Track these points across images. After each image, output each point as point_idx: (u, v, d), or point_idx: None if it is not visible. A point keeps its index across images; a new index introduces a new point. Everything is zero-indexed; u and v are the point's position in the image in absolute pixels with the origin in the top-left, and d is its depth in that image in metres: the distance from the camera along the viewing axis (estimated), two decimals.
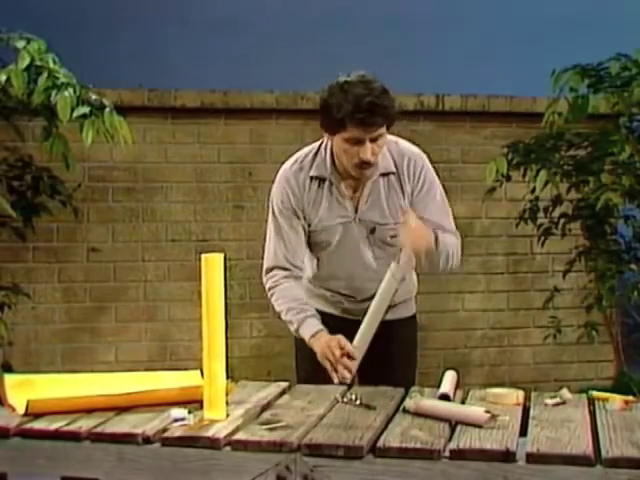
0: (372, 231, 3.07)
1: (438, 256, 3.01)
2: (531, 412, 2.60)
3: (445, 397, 2.72)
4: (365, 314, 3.05)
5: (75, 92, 4.18)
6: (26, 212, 4.96)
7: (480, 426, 2.42)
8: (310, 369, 3.07)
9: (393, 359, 3.16)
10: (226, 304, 2.56)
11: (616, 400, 2.66)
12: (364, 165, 2.93)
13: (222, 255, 2.55)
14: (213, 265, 2.53)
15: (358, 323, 3.07)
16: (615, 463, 2.18)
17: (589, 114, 4.66)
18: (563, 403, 2.70)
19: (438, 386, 2.81)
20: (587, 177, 4.87)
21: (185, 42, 7.55)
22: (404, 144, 3.12)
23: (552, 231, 5.21)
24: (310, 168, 3.06)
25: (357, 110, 2.83)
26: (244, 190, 5.86)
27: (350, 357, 2.91)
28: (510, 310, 6.14)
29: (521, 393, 2.75)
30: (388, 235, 3.09)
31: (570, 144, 4.96)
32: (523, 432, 2.42)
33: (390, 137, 3.03)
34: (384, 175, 3.04)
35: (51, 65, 4.19)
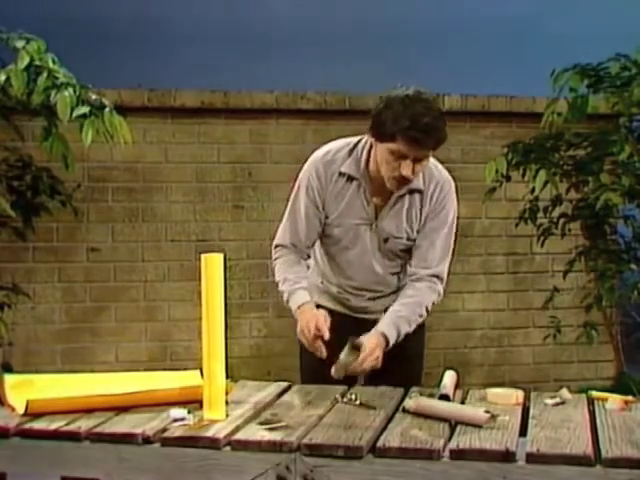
0: (385, 241, 3.09)
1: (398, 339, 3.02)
2: (531, 412, 2.60)
3: (445, 397, 2.72)
4: (369, 312, 3.16)
5: (75, 92, 4.18)
6: (26, 212, 4.96)
7: (480, 426, 2.42)
8: (315, 367, 3.07)
9: (400, 358, 3.16)
10: (226, 304, 2.56)
11: (616, 400, 2.67)
12: (402, 180, 2.93)
13: (222, 255, 2.55)
14: (213, 265, 2.53)
15: (363, 321, 3.11)
16: (615, 463, 2.18)
17: (589, 114, 4.66)
18: (563, 403, 2.70)
19: (438, 386, 2.81)
20: (587, 177, 4.87)
21: (185, 42, 7.55)
22: (438, 167, 3.11)
23: (552, 231, 5.20)
24: (342, 164, 3.05)
25: (413, 127, 2.81)
26: (244, 190, 5.86)
27: (322, 338, 2.91)
28: (510, 310, 6.14)
29: (521, 393, 2.75)
30: (399, 248, 3.11)
31: (570, 144, 4.96)
32: (523, 432, 2.42)
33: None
34: (411, 192, 3.05)
35: (51, 65, 4.19)
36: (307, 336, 2.95)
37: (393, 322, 3.00)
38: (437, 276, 3.09)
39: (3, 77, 4.13)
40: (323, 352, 2.91)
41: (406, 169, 2.88)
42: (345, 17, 7.81)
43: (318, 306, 3.18)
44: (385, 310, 3.10)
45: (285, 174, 5.88)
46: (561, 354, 6.11)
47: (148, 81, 5.79)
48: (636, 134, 4.94)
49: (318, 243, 3.21)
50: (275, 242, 3.18)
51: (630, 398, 2.69)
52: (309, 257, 3.21)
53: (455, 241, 3.16)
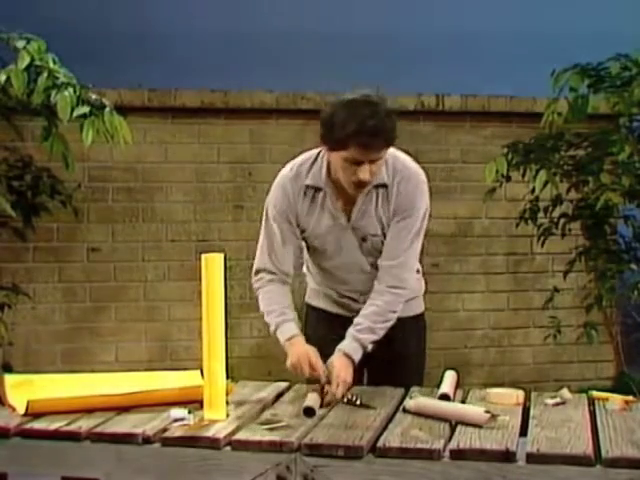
0: (364, 240, 3.08)
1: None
2: (531, 412, 2.61)
3: (445, 397, 2.72)
4: None
5: (75, 92, 4.17)
6: (26, 212, 4.96)
7: (480, 426, 2.42)
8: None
9: (401, 356, 3.16)
10: (226, 304, 2.56)
11: (616, 400, 2.67)
12: (361, 184, 2.93)
13: (222, 255, 2.55)
14: (213, 265, 2.54)
15: None
16: (615, 463, 2.18)
17: (589, 114, 4.66)
18: (563, 403, 2.70)
19: (438, 386, 2.81)
20: (587, 177, 4.87)
21: (185, 42, 7.55)
22: (402, 159, 3.08)
23: (552, 231, 5.20)
24: (306, 176, 3.06)
25: (360, 132, 2.81)
26: (244, 190, 5.86)
27: (316, 371, 2.88)
28: (510, 310, 6.14)
29: (521, 393, 2.76)
30: (380, 245, 3.09)
31: (570, 144, 4.96)
32: (523, 432, 2.42)
33: (391, 150, 3.00)
34: (377, 187, 3.03)
35: (51, 65, 4.19)
36: (300, 373, 2.93)
37: (354, 338, 2.97)
38: (400, 280, 3.04)
39: (3, 77, 4.13)
40: (322, 379, 2.86)
41: (363, 173, 2.88)
42: (345, 17, 7.81)
43: (322, 311, 3.21)
44: None
45: None
46: (561, 354, 6.11)
47: (148, 81, 5.78)
48: (636, 134, 4.94)
49: (307, 255, 3.20)
50: (255, 267, 3.13)
51: (630, 398, 2.69)
52: (288, 282, 3.14)
53: (425, 235, 3.12)
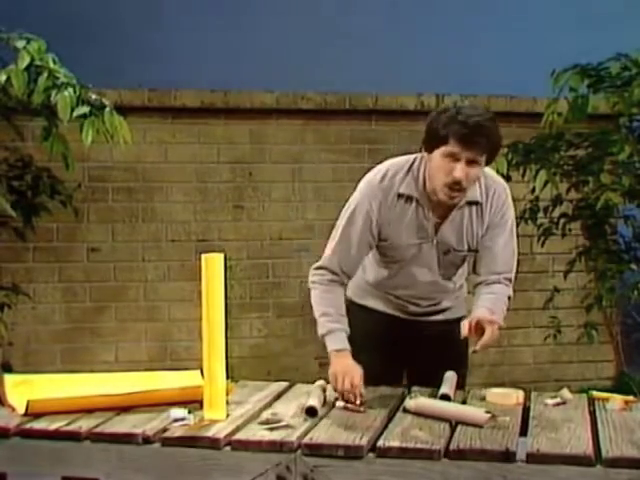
0: (446, 253, 3.10)
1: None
2: (531, 412, 2.61)
3: (445, 397, 2.72)
4: (426, 315, 3.20)
5: (75, 92, 4.17)
6: (26, 212, 4.96)
7: (480, 426, 2.42)
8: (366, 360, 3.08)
9: (447, 341, 3.16)
10: (226, 304, 2.56)
11: (616, 400, 2.67)
12: (455, 186, 2.91)
13: (222, 255, 2.55)
14: (213, 265, 2.54)
15: (416, 323, 3.17)
16: (615, 463, 2.18)
17: (589, 114, 4.66)
18: (563, 403, 2.71)
19: (438, 386, 2.81)
20: (587, 177, 4.87)
21: (185, 42, 7.55)
22: (492, 175, 3.13)
23: (552, 231, 5.20)
24: (400, 185, 3.04)
25: (464, 126, 2.85)
26: (244, 190, 5.86)
27: (354, 394, 2.84)
28: (510, 310, 6.10)
29: (521, 393, 2.76)
30: (459, 259, 3.14)
31: (570, 144, 4.96)
32: (523, 432, 2.42)
33: (485, 169, 3.03)
34: (469, 204, 3.05)
35: (51, 65, 4.19)
36: (340, 388, 2.85)
37: (487, 308, 3.03)
38: (507, 279, 3.15)
39: (4, 77, 4.13)
40: (357, 400, 2.81)
41: (459, 171, 2.88)
42: (345, 17, 7.81)
43: (372, 310, 3.22)
44: (441, 311, 3.21)
45: (285, 174, 5.89)
46: (561, 354, 6.11)
47: (148, 81, 5.78)
48: (636, 134, 4.94)
49: (371, 254, 3.17)
50: (321, 263, 3.10)
51: (630, 398, 2.69)
52: (346, 284, 3.15)
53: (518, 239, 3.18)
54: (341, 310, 3.04)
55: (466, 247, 3.09)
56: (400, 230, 3.05)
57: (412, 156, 3.09)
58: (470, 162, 2.88)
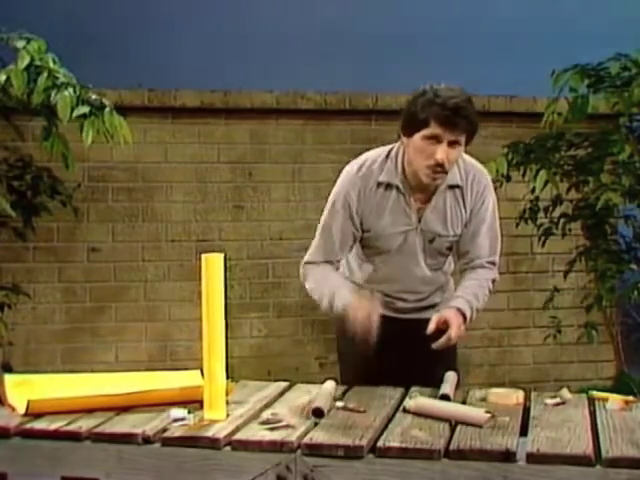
0: (431, 241, 3.10)
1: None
2: (531, 412, 2.61)
3: (445, 397, 2.72)
4: (414, 311, 3.18)
5: (75, 92, 4.17)
6: (26, 212, 4.96)
7: (480, 426, 2.42)
8: (355, 371, 3.08)
9: (438, 357, 3.15)
10: (226, 304, 2.56)
11: (616, 400, 2.67)
12: (437, 168, 2.93)
13: (222, 255, 2.55)
14: (213, 265, 2.53)
15: (407, 321, 3.15)
16: (615, 463, 2.18)
17: (589, 114, 4.66)
18: (563, 403, 2.70)
19: (438, 386, 2.81)
20: (587, 177, 4.87)
21: (185, 42, 7.55)
22: (470, 160, 3.15)
23: (552, 231, 5.20)
24: (379, 173, 3.04)
25: (443, 108, 2.88)
26: (244, 190, 5.86)
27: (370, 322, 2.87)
28: (510, 310, 6.14)
29: (521, 393, 2.76)
30: (444, 246, 3.13)
31: (570, 144, 4.96)
32: (523, 432, 2.42)
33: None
34: (450, 188, 3.06)
35: (51, 65, 4.19)
36: (357, 315, 2.87)
37: (464, 299, 3.04)
38: (491, 262, 3.16)
39: (3, 77, 4.13)
40: (373, 337, 2.85)
41: (441, 153, 2.90)
42: (345, 17, 7.81)
43: None
44: (429, 308, 3.17)
45: (285, 174, 5.89)
46: (561, 354, 6.11)
47: (148, 81, 5.78)
48: (636, 134, 4.95)
49: (354, 251, 3.18)
50: (306, 259, 3.12)
51: (630, 398, 2.69)
52: (338, 268, 3.17)
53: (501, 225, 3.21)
54: (341, 280, 3.07)
55: (451, 232, 3.09)
56: (382, 219, 3.04)
57: (389, 146, 3.10)
58: (451, 143, 2.92)
